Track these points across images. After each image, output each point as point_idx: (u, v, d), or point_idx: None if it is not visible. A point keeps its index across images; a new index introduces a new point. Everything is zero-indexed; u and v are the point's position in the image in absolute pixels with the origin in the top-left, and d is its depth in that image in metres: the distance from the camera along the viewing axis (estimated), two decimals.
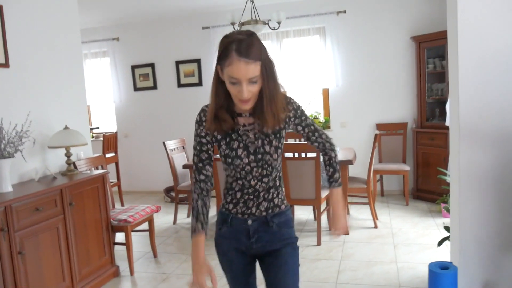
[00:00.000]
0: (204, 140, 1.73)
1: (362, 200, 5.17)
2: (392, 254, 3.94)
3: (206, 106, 1.70)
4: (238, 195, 1.74)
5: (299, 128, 1.76)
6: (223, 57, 1.51)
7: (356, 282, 3.41)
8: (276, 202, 1.77)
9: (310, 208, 5.48)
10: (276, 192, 1.76)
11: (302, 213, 5.33)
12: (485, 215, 2.33)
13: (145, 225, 4.20)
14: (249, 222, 1.75)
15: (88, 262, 3.43)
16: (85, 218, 3.41)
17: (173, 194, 6.16)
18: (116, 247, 4.18)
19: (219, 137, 1.70)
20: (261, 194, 1.73)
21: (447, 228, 3.26)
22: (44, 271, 2.99)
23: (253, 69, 1.48)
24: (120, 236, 3.96)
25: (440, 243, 3.36)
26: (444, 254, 3.62)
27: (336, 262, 3.82)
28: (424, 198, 5.65)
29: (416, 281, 3.36)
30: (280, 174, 1.80)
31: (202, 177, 1.76)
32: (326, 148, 1.86)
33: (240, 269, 1.85)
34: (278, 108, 1.60)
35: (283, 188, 1.83)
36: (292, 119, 1.71)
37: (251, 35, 1.52)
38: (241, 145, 1.67)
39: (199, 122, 1.73)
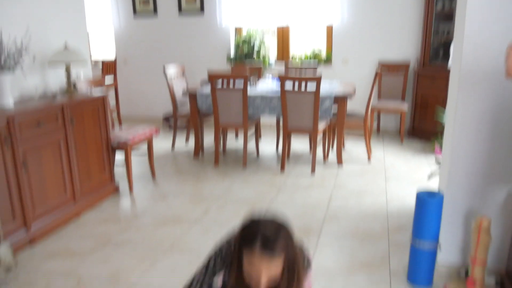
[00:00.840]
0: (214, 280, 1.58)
1: (359, 136, 5.25)
2: (382, 186, 4.08)
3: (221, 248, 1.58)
4: None
5: None
6: (245, 246, 1.40)
7: (346, 209, 3.56)
8: None
9: (306, 142, 5.58)
10: None
11: (298, 146, 5.44)
12: (476, 151, 2.41)
13: (144, 149, 4.30)
14: None
15: (89, 178, 3.55)
16: (85, 136, 3.48)
17: (171, 121, 6.23)
18: (116, 168, 4.31)
19: None
20: None
21: (439, 162, 3.36)
22: (47, 184, 3.11)
23: (275, 268, 1.40)
24: (119, 159, 4.06)
25: (430, 177, 3.48)
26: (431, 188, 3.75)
27: (328, 190, 3.97)
28: (419, 137, 5.73)
29: (403, 212, 3.51)
30: None
31: None
32: None
33: None
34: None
35: None
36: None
37: (279, 229, 1.43)
38: None
39: (223, 258, 1.57)
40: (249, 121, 4.59)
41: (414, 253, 2.45)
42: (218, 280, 1.59)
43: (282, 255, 1.40)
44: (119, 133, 3.95)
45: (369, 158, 4.88)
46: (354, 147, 5.38)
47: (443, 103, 4.95)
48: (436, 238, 2.39)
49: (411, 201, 3.68)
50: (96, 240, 3.05)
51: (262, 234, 1.38)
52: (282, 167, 4.54)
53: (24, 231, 2.92)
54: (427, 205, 2.34)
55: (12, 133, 2.78)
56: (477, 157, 2.41)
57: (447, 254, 2.58)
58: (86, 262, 2.76)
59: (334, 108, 4.52)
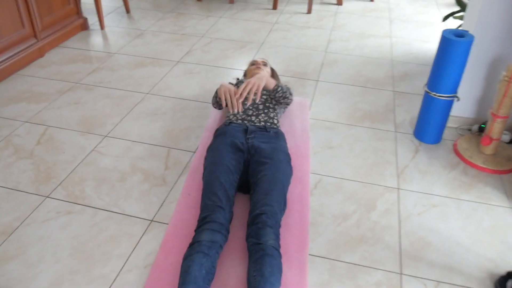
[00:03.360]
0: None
1: None
2: (387, 28, 3.64)
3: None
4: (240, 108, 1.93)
5: None
6: None
7: (346, 52, 3.18)
8: (273, 120, 1.96)
9: None
10: (273, 111, 2.00)
11: None
12: None
13: None
14: (248, 125, 1.90)
15: (49, 9, 2.99)
16: None
17: None
18: (84, 2, 3.72)
19: None
20: (260, 106, 2.00)
21: (459, 2, 2.90)
22: None
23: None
24: None
25: (446, 18, 3.05)
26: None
27: (327, 31, 3.52)
28: None
29: (409, 56, 3.16)
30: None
31: None
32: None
33: (225, 152, 1.72)
34: None
35: (279, 117, 2.12)
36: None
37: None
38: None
39: None
40: None
41: (426, 105, 2.16)
42: None
43: None
44: None
45: None
46: None
47: None
48: (455, 89, 2.08)
49: (419, 46, 3.31)
50: (63, 82, 2.67)
51: None
52: (275, 5, 3.99)
53: None
54: (454, 46, 1.96)
55: None
56: None
57: (462, 107, 2.32)
58: (53, 107, 2.42)
59: None
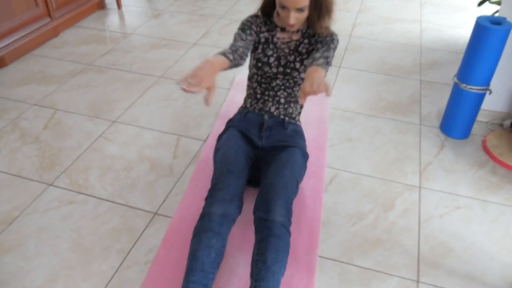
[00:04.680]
0: (248, 31, 1.58)
1: None
2: (417, 12, 3.44)
3: (254, 15, 1.64)
4: (259, 95, 1.70)
5: (318, 45, 1.58)
6: None
7: (372, 37, 3.01)
8: (292, 115, 1.72)
9: None
10: (294, 105, 1.72)
11: None
12: None
13: None
14: (266, 117, 1.68)
15: None
16: None
17: None
18: None
19: (262, 39, 1.63)
20: (281, 99, 1.70)
21: None
22: None
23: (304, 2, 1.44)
24: None
25: (481, 2, 2.83)
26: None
27: (353, 14, 3.35)
28: None
29: (440, 43, 2.96)
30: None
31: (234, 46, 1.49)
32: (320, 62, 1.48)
33: (237, 149, 1.53)
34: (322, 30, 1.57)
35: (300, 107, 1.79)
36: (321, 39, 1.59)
37: None
38: (275, 55, 1.63)
39: (251, 19, 1.62)
40: None
41: (455, 97, 2.00)
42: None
43: None
44: None
45: None
46: None
47: None
48: (488, 81, 1.92)
49: (450, 33, 3.12)
50: (76, 63, 2.60)
51: None
52: None
53: None
54: (490, 34, 1.79)
55: None
56: None
57: (493, 101, 2.15)
58: (63, 89, 2.35)
59: None
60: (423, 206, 1.71)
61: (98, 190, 1.71)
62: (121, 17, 3.23)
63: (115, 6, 3.36)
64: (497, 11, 2.54)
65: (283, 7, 1.46)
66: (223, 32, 3.03)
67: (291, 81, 1.66)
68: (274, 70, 1.64)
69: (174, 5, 3.44)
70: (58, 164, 1.83)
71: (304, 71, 1.65)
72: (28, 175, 1.77)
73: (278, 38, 1.63)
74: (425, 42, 2.97)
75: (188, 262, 1.25)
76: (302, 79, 1.67)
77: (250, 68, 1.71)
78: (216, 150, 1.58)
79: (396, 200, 1.73)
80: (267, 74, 1.65)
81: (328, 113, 2.18)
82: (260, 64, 1.64)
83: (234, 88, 2.35)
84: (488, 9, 3.50)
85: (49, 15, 2.83)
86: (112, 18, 3.21)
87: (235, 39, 1.53)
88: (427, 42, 2.97)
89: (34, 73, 2.49)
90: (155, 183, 1.75)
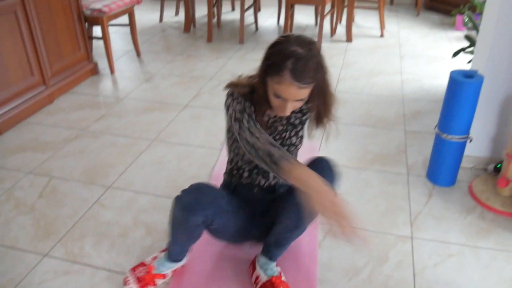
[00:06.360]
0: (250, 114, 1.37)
1: (371, 6, 4.60)
2: (397, 65, 3.60)
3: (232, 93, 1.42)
4: (246, 173, 1.59)
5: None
6: (273, 71, 1.26)
7: (356, 91, 3.13)
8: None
9: (312, 12, 4.94)
10: None
11: (302, 19, 4.81)
12: None
13: (125, 19, 3.72)
14: (255, 190, 1.61)
15: (59, 55, 3.04)
16: (50, 3, 2.89)
17: None
18: (96, 43, 3.79)
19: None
20: (271, 175, 1.60)
21: (468, 38, 2.84)
22: (7, 63, 2.62)
23: (304, 92, 1.28)
24: (98, 31, 3.49)
25: (455, 54, 2.99)
26: (453, 68, 3.29)
27: (336, 69, 3.50)
28: (437, 9, 5.09)
29: (420, 93, 3.09)
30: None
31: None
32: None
33: (240, 203, 1.56)
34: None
35: None
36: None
37: (311, 50, 1.29)
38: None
39: (245, 105, 1.38)
40: None
41: (438, 147, 2.07)
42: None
43: (311, 84, 1.29)
44: (93, 1, 3.33)
45: (382, 33, 4.30)
46: (365, 20, 4.76)
47: None
48: (467, 129, 2.00)
49: (430, 83, 3.26)
50: (70, 129, 2.67)
51: (294, 55, 1.24)
52: None
53: None
54: (464, 87, 1.89)
55: None
56: None
57: (476, 146, 2.23)
58: (58, 156, 2.40)
59: None
60: (416, 257, 1.73)
61: (94, 259, 1.71)
62: (114, 81, 3.35)
63: (108, 71, 3.48)
64: (471, 60, 2.68)
65: (278, 96, 1.30)
66: (213, 92, 3.14)
67: None
68: None
69: (165, 68, 3.57)
70: (53, 233, 1.84)
71: (300, 141, 1.58)
72: (22, 246, 1.78)
73: (269, 117, 1.47)
74: (406, 93, 3.09)
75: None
76: (299, 149, 1.61)
77: (233, 152, 1.58)
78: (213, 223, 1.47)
79: (389, 252, 1.75)
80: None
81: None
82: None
83: (225, 148, 2.41)
84: (463, 58, 3.67)
85: (44, 83, 2.92)
86: (106, 83, 3.32)
87: (260, 132, 1.32)
88: (409, 93, 3.10)
89: (28, 140, 2.54)
90: (151, 248, 1.76)
